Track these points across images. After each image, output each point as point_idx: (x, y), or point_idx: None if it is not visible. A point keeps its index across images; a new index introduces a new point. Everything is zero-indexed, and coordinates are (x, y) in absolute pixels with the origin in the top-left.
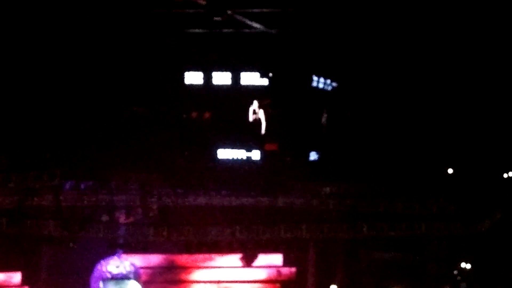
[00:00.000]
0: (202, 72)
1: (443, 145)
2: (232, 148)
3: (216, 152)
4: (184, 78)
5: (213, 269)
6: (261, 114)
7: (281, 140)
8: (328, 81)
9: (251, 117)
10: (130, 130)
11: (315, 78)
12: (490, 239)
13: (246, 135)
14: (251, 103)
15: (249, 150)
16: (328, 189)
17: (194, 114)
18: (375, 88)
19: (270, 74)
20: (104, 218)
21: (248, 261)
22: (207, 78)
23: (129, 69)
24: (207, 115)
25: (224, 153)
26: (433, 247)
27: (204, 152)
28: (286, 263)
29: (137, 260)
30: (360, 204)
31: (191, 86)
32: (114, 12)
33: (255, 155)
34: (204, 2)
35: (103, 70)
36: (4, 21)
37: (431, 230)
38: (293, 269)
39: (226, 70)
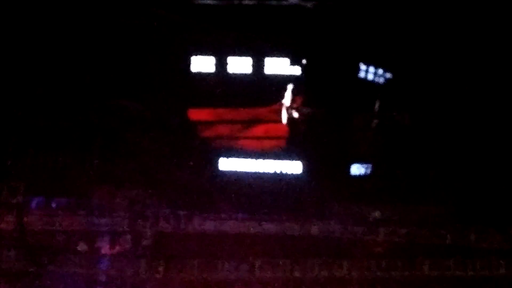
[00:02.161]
0: (214, 56)
1: None
2: (253, 158)
3: (231, 162)
4: (190, 64)
5: None
6: (294, 114)
7: (317, 149)
8: (380, 72)
9: (284, 118)
10: (118, 131)
11: (362, 67)
12: None
13: (271, 142)
14: (278, 98)
15: (275, 161)
16: (377, 213)
17: (202, 112)
18: (442, 81)
19: (304, 61)
20: (82, 247)
21: None
22: (221, 64)
23: (117, 52)
24: (219, 113)
25: (241, 164)
26: None
27: (215, 162)
28: None
29: None
30: (419, 234)
31: (199, 75)
32: None
33: (282, 167)
34: None
35: (82, 53)
36: None
37: None
38: None
39: (246, 55)
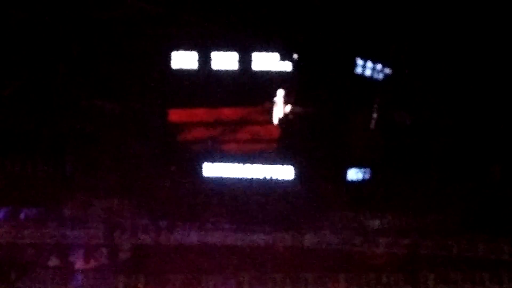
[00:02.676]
0: (197, 51)
1: None
2: (240, 162)
3: (216, 168)
4: (170, 60)
5: None
6: (285, 114)
7: (311, 152)
8: (379, 67)
9: (275, 118)
10: (92, 134)
11: (359, 62)
12: None
13: (260, 145)
14: (267, 96)
15: (264, 165)
16: (377, 222)
17: (184, 113)
18: (447, 78)
19: (295, 56)
20: (53, 262)
21: None
22: (204, 60)
23: (90, 47)
24: (203, 114)
25: (228, 170)
26: None
27: (199, 168)
28: None
29: None
30: (423, 245)
31: (181, 72)
32: None
33: (273, 173)
34: None
35: (52, 49)
36: None
37: None
38: None
39: (231, 50)
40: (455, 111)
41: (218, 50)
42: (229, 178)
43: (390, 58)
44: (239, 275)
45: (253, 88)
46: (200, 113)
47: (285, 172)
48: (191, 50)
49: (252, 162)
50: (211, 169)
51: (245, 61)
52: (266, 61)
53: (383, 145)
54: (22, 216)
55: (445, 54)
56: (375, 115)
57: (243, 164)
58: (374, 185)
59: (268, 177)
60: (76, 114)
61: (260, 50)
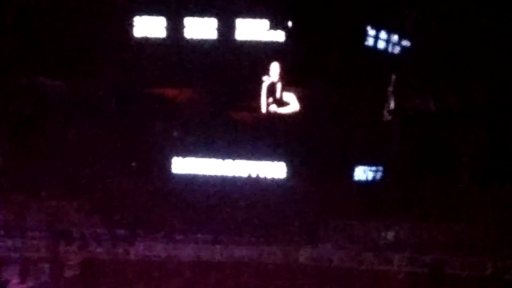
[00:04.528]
0: (166, 17)
1: None
2: (219, 157)
3: (188, 164)
4: (132, 27)
5: None
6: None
7: (308, 146)
8: (395, 38)
9: (263, 104)
10: (31, 118)
11: (370, 31)
12: None
13: (244, 135)
14: (254, 74)
15: (249, 161)
16: (391, 234)
17: (150, 92)
18: (480, 52)
19: (289, 23)
20: None
21: None
22: (175, 27)
23: (31, 13)
24: (172, 95)
25: (203, 166)
26: None
27: (167, 163)
28: None
29: None
30: (449, 263)
31: (145, 42)
32: None
33: (260, 171)
34: None
35: None
36: None
37: None
38: None
39: (208, 15)
40: (491, 95)
41: (192, 15)
42: (204, 177)
43: (408, 27)
44: None
45: (236, 63)
46: (169, 94)
47: (275, 170)
48: (158, 15)
49: (234, 157)
50: (181, 165)
51: (225, 29)
52: (252, 30)
53: (400, 138)
54: None
55: (477, 23)
56: (390, 100)
57: (222, 159)
58: (387, 187)
59: (254, 176)
60: (11, 93)
61: (244, 16)
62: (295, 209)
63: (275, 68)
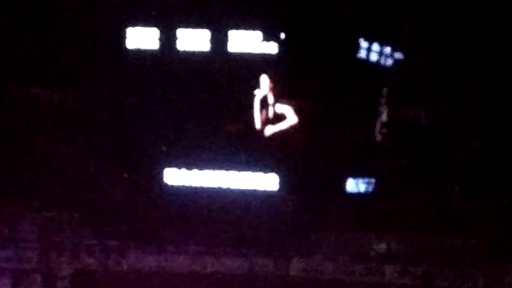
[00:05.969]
0: (159, 28)
1: None
2: (211, 168)
3: (180, 175)
4: (124, 38)
5: None
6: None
7: (300, 158)
8: (388, 50)
9: (257, 117)
10: (25, 130)
11: (363, 44)
12: None
13: (237, 147)
14: (247, 87)
15: (241, 173)
16: (383, 245)
17: (142, 103)
18: (474, 63)
19: (282, 36)
20: None
21: None
22: (168, 39)
23: (20, 18)
24: (164, 106)
25: (195, 178)
26: None
27: (159, 175)
28: None
29: None
30: (441, 275)
31: (138, 53)
32: None
33: (252, 182)
34: None
35: None
36: None
37: None
38: None
39: (201, 27)
40: (484, 106)
41: (185, 26)
42: (196, 188)
43: (401, 39)
44: None
45: (228, 75)
46: (161, 106)
47: (267, 182)
48: (151, 26)
49: (226, 168)
50: (173, 176)
51: (218, 41)
52: (246, 42)
53: (392, 150)
54: None
55: (471, 35)
56: (382, 111)
57: (214, 170)
58: (379, 199)
59: (246, 187)
60: (5, 105)
61: (237, 28)
62: (286, 220)
63: (266, 80)
